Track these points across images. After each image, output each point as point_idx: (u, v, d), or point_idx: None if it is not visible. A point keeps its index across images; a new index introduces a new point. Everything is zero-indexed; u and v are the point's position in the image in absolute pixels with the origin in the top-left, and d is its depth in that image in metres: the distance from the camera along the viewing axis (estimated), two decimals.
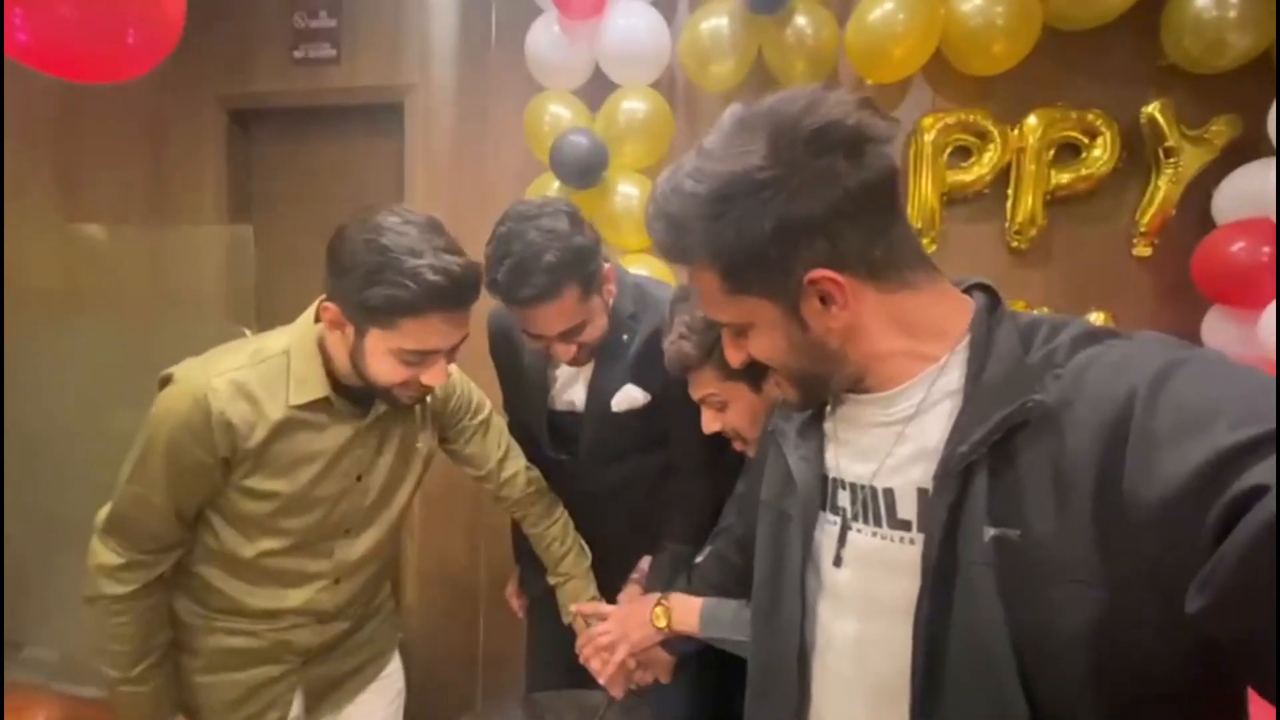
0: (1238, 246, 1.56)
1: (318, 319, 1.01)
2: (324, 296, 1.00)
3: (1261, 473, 0.40)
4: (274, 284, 2.33)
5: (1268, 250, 1.52)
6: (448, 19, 2.19)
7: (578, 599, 1.29)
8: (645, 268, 1.92)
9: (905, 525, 0.62)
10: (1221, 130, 1.67)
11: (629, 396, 1.29)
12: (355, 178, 2.38)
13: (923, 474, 0.60)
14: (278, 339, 1.02)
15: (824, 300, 0.60)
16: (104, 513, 0.99)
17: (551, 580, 1.33)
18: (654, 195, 0.63)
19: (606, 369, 1.29)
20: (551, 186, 1.95)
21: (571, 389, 1.34)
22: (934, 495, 0.58)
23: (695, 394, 1.06)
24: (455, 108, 2.21)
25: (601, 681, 1.10)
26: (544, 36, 1.94)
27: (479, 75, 2.18)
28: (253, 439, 0.96)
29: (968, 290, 0.65)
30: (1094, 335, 0.56)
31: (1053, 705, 0.52)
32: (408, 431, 1.13)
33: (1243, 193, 1.61)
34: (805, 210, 0.57)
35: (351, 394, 1.03)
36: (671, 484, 1.35)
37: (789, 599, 0.71)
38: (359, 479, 1.07)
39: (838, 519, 0.68)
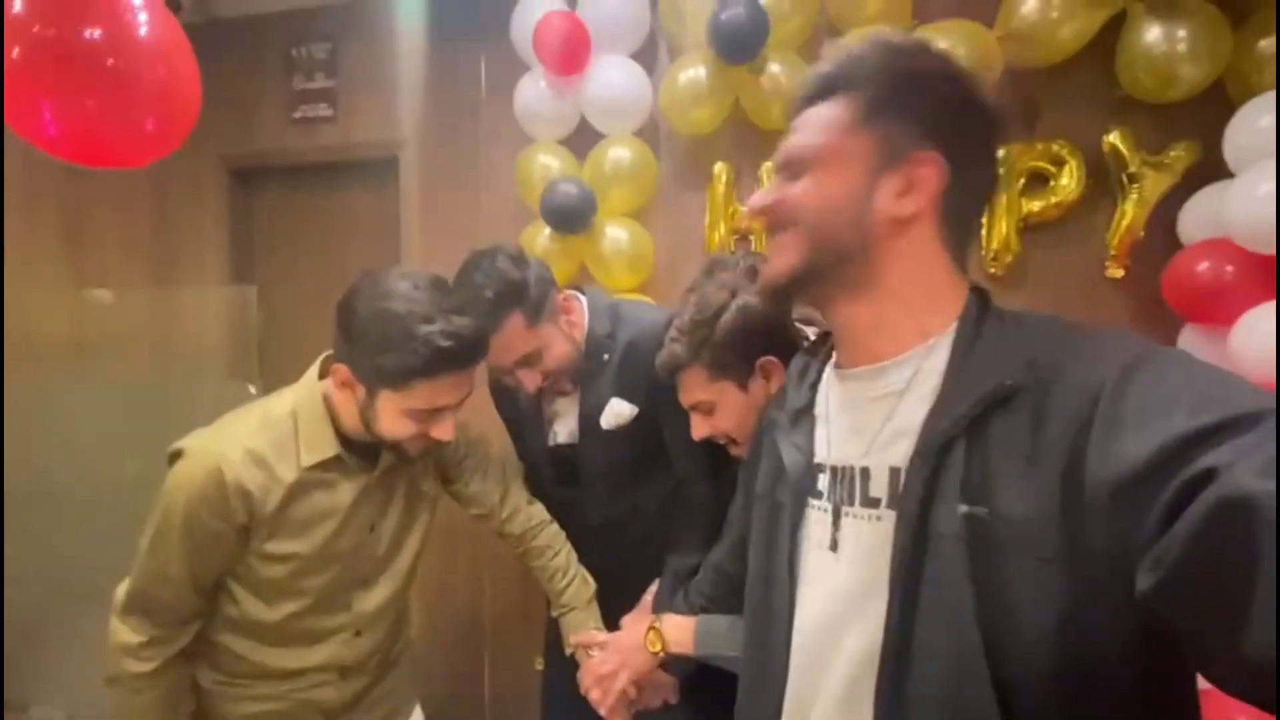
0: (1203, 267, 1.63)
1: (322, 376, 1.05)
2: (328, 354, 1.04)
3: (1215, 456, 0.41)
4: (277, 335, 2.40)
5: (1231, 269, 1.58)
6: (439, 77, 2.29)
7: (578, 631, 1.30)
8: None
9: (874, 503, 0.64)
10: (1180, 156, 1.75)
11: (615, 411, 1.33)
12: (353, 230, 2.46)
13: (900, 453, 0.62)
14: (283, 401, 1.05)
15: (904, 188, 0.62)
16: (121, 591, 1.01)
17: (555, 613, 1.34)
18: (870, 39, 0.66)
19: (592, 390, 1.34)
20: (543, 233, 2.02)
21: (569, 419, 1.39)
22: (913, 469, 0.60)
23: (685, 401, 1.08)
24: (448, 161, 2.30)
25: (602, 712, 1.10)
26: (532, 91, 2.03)
27: (470, 129, 2.27)
28: (269, 504, 0.98)
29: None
30: (1071, 329, 0.60)
31: (1017, 681, 0.54)
32: (413, 477, 1.16)
33: (1204, 214, 1.68)
34: (968, 124, 0.64)
35: (360, 449, 1.06)
36: (678, 498, 1.37)
37: (779, 586, 0.73)
38: (372, 529, 1.10)
39: (823, 503, 0.70)
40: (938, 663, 0.57)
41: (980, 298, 0.66)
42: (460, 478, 1.27)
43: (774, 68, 1.87)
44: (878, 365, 0.66)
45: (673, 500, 1.39)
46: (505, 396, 1.48)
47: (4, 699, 1.81)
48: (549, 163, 2.02)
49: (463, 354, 0.96)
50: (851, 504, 0.66)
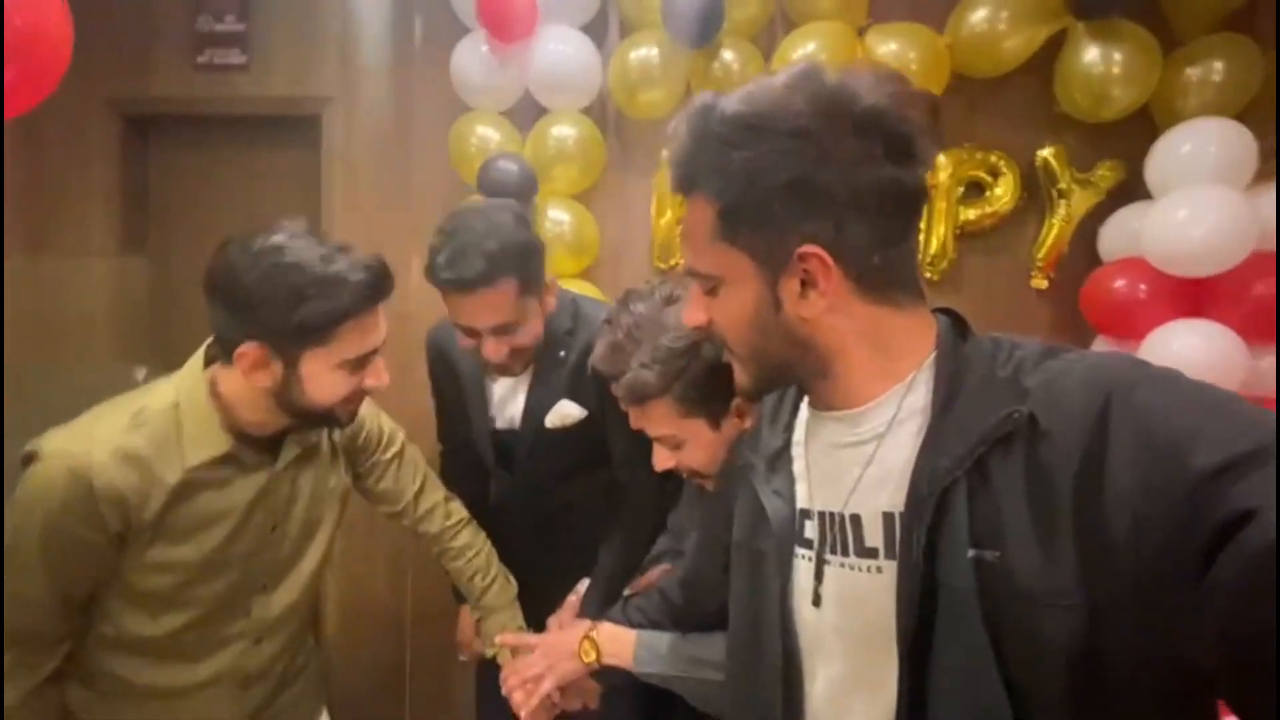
0: (1119, 284, 1.71)
1: (207, 364, 0.94)
2: (211, 341, 0.93)
3: (1244, 495, 0.40)
4: (173, 313, 2.16)
5: (1144, 287, 1.67)
6: (368, 29, 2.10)
7: (501, 632, 1.24)
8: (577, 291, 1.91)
9: (872, 553, 0.60)
10: (1107, 175, 1.83)
11: (563, 412, 1.28)
12: (265, 195, 2.24)
13: (889, 498, 0.58)
14: (161, 393, 0.92)
15: (804, 285, 0.58)
16: None
17: (474, 614, 1.28)
18: (684, 111, 0.60)
19: (542, 385, 1.29)
20: None
21: (511, 405, 1.33)
22: (910, 517, 0.56)
23: (650, 432, 1.01)
24: (376, 124, 2.12)
25: (523, 715, 1.05)
26: (471, 56, 1.90)
27: (402, 91, 2.10)
28: (148, 509, 0.87)
29: (933, 313, 0.65)
30: (1053, 352, 0.56)
31: None
32: (320, 472, 1.06)
33: (1124, 232, 1.77)
34: (827, 181, 0.55)
35: (257, 443, 0.96)
36: (615, 501, 1.34)
37: (769, 643, 0.68)
38: (274, 529, 1.00)
39: (810, 553, 0.65)
40: (960, 712, 0.54)
41: (954, 322, 0.62)
42: (372, 473, 1.17)
43: (727, 55, 1.82)
44: (855, 410, 0.62)
45: (609, 500, 1.35)
46: (443, 365, 1.39)
47: None
48: (487, 134, 1.90)
49: (381, 283, 0.90)
50: (846, 554, 0.62)
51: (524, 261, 1.12)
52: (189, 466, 0.90)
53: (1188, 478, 0.43)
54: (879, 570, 0.59)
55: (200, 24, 2.15)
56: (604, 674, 1.04)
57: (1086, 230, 1.87)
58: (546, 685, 1.03)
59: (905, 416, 0.59)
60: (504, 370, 1.24)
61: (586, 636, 1.03)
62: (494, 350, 1.17)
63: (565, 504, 1.37)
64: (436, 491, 1.25)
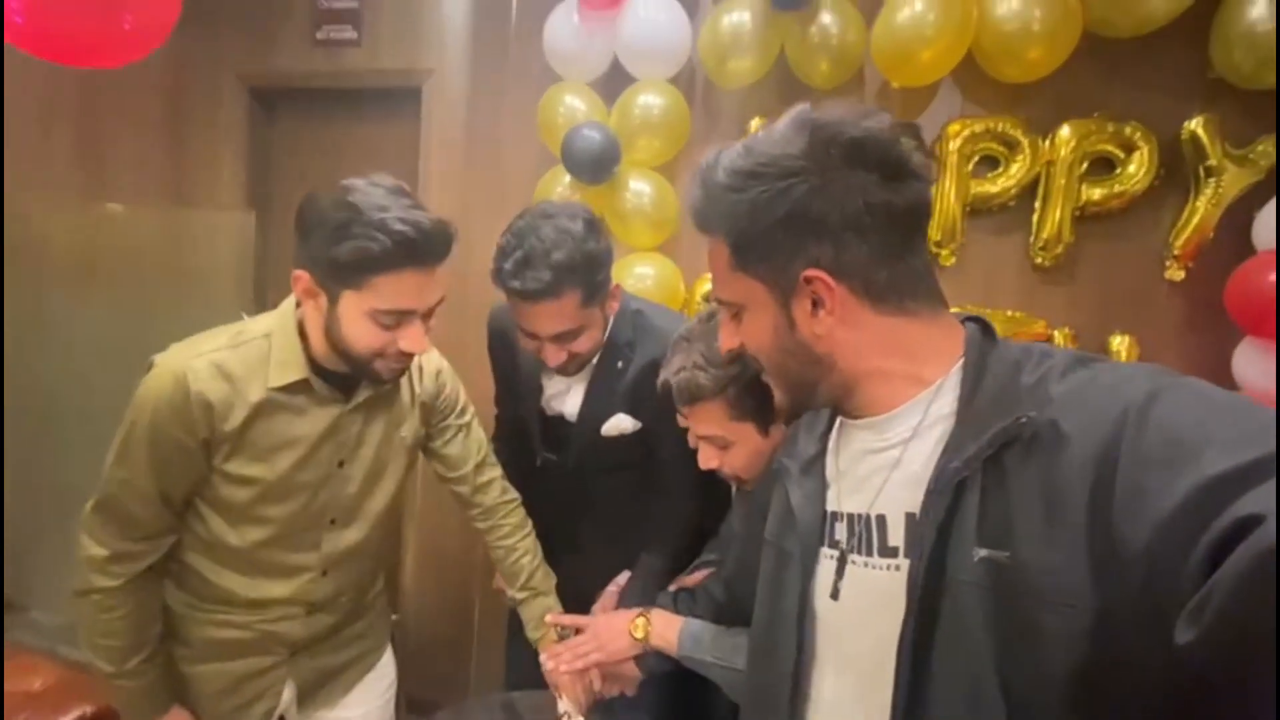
0: (1276, 278, 1.48)
1: (299, 303, 1.02)
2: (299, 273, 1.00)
3: (1252, 501, 0.39)
4: (287, 265, 2.36)
5: None
6: (468, 4, 2.16)
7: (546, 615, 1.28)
8: (651, 266, 1.89)
9: (893, 552, 0.62)
10: (1268, 151, 1.58)
11: (619, 425, 1.30)
12: (373, 161, 2.33)
13: (913, 499, 0.60)
14: (260, 322, 1.03)
15: (815, 304, 0.62)
16: (89, 504, 1.00)
17: (519, 595, 1.30)
18: (700, 165, 0.67)
19: (599, 392, 1.30)
20: (563, 180, 1.92)
21: (564, 400, 1.35)
22: (923, 514, 0.58)
23: (699, 431, 1.03)
24: (472, 95, 2.19)
25: (561, 669, 1.10)
26: (563, 26, 1.90)
27: (497, 63, 2.15)
28: (231, 420, 0.97)
29: (962, 322, 0.66)
30: (1084, 360, 0.57)
31: None
32: (392, 418, 1.13)
33: None
34: (820, 210, 0.59)
35: (333, 378, 1.03)
36: (658, 504, 1.35)
37: (784, 639, 0.71)
38: (341, 465, 1.07)
39: (836, 552, 0.68)
40: (955, 709, 0.56)
41: (982, 330, 0.65)
42: (441, 435, 1.23)
43: (825, 18, 1.72)
44: (883, 416, 0.65)
45: (648, 496, 1.35)
46: (501, 345, 1.43)
47: (5, 602, 1.86)
48: (575, 105, 1.90)
49: (421, 244, 0.91)
50: (870, 554, 0.65)
51: (590, 273, 1.12)
52: (270, 386, 0.99)
53: (1198, 483, 0.43)
54: (897, 569, 0.61)
55: (319, 1, 2.29)
56: (646, 661, 1.08)
57: (1234, 216, 1.62)
58: (594, 657, 1.08)
59: (931, 422, 0.62)
60: (562, 370, 1.27)
61: (640, 614, 1.07)
62: (554, 355, 1.19)
63: (605, 493, 1.39)
64: (494, 469, 1.30)
